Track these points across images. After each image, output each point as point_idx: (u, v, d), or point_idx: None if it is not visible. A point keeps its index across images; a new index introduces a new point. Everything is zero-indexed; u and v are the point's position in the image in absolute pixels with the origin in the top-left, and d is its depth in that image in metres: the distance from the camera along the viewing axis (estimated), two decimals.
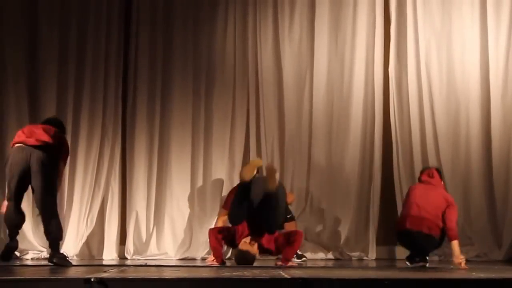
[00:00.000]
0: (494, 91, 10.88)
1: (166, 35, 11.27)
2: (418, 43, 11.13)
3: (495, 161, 10.96)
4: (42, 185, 8.65)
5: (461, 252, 10.40)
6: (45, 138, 8.76)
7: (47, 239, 8.79)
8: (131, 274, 7.85)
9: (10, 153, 8.78)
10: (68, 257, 9.07)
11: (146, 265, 9.48)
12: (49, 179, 8.75)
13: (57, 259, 8.66)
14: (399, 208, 10.80)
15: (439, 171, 9.61)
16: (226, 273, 7.98)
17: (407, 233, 9.27)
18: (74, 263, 9.62)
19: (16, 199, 8.78)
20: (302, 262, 10.00)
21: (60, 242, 9.01)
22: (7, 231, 8.92)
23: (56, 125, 9.15)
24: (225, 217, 10.08)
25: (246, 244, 9.07)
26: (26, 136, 8.76)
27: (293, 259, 9.69)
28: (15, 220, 8.79)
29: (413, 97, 11.07)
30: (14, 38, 11.01)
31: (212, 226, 10.73)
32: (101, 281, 6.95)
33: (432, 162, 10.80)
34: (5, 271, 7.98)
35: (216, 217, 10.76)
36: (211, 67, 11.28)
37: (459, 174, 10.91)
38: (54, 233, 8.73)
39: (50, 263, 8.68)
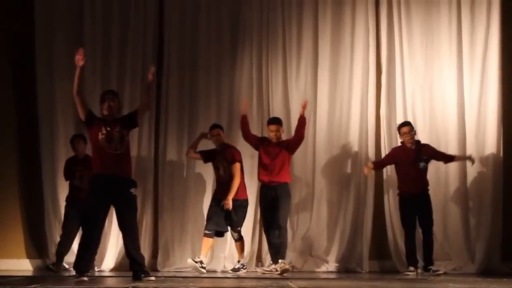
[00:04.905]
0: (469, 130, 10.89)
1: (192, 80, 11.28)
2: (405, 89, 11.14)
3: (469, 188, 10.96)
4: None
5: (441, 265, 10.52)
6: None
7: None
8: (162, 284, 7.92)
9: None
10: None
11: (174, 277, 9.48)
12: None
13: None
14: (388, 229, 10.93)
15: None
16: (242, 284, 8.02)
17: None
18: (113, 274, 9.66)
19: None
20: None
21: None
22: None
23: None
24: None
25: None
26: None
27: None
28: None
29: None
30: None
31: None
32: None
33: None
34: (50, 282, 8.06)
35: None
36: (231, 105, 11.27)
37: (439, 199, 10.84)
38: None
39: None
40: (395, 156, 10.55)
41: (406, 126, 10.44)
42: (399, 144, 10.68)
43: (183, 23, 11.34)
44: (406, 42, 11.19)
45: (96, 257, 10.45)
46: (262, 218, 10.43)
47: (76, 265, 8.36)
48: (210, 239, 10.15)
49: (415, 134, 10.47)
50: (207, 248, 10.15)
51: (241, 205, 10.25)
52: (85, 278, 8.22)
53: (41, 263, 10.87)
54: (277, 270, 9.84)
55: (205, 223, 10.25)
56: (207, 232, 10.13)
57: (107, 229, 10.58)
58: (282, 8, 11.38)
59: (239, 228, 10.28)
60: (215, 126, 10.50)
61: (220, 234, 10.31)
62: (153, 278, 8.47)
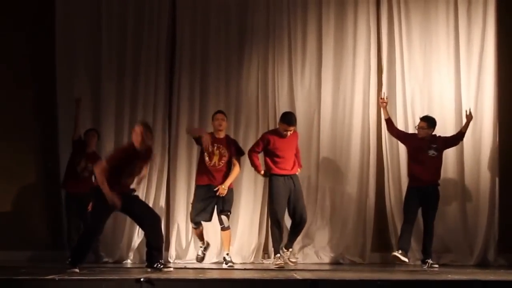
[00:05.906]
0: None
1: (202, 85, 11.33)
2: (405, 89, 11.20)
3: (467, 185, 11.05)
4: None
5: (440, 257, 10.57)
6: None
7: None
8: (173, 275, 8.07)
9: None
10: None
11: (185, 268, 9.65)
12: None
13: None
14: (390, 223, 11.01)
15: None
16: (248, 275, 8.11)
17: None
18: (127, 266, 9.74)
19: None
20: None
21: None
22: None
23: None
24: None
25: None
26: None
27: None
28: None
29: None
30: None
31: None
32: (149, 280, 7.13)
33: None
34: (66, 272, 8.11)
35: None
36: (238, 104, 11.33)
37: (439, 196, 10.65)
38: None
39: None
40: (410, 138, 10.41)
41: (423, 122, 10.22)
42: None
43: (194, 25, 11.39)
44: (405, 43, 11.25)
45: (110, 249, 10.74)
46: (278, 206, 9.83)
47: (74, 256, 8.61)
48: (200, 229, 10.02)
49: (429, 132, 10.15)
50: (201, 235, 10.09)
51: (231, 191, 10.01)
52: (77, 270, 8.38)
53: (59, 254, 10.72)
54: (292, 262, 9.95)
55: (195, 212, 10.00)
56: (195, 226, 9.99)
57: (121, 222, 10.73)
58: (288, 11, 11.43)
59: (229, 213, 9.96)
60: (221, 112, 10.26)
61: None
62: (171, 268, 8.74)
